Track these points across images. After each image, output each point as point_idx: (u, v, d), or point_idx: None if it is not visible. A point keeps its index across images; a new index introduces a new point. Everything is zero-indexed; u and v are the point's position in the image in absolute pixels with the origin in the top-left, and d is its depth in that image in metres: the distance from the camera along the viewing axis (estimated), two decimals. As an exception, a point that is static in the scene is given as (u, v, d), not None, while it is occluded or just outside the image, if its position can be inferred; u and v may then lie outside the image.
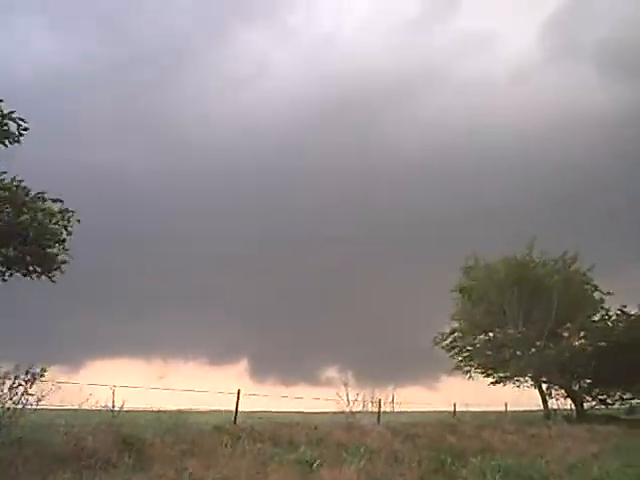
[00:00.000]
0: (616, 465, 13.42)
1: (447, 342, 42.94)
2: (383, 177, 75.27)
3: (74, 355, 37.35)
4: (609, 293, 41.60)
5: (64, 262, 16.40)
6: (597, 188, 69.09)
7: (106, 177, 57.66)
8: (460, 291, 41.44)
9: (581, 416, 39.09)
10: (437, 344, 43.16)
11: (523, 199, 68.48)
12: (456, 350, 42.85)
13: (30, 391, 12.12)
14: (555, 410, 40.43)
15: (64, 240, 16.12)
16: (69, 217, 15.98)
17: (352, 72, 79.16)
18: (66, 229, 15.99)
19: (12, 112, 14.69)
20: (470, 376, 43.09)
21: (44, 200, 15.43)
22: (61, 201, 15.87)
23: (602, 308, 42.07)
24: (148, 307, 58.93)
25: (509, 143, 74.26)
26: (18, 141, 14.98)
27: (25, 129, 14.95)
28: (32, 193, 15.16)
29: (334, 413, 21.19)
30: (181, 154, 72.44)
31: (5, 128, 14.70)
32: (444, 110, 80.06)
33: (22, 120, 14.89)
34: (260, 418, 18.23)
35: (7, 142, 14.88)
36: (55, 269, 16.39)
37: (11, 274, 15.95)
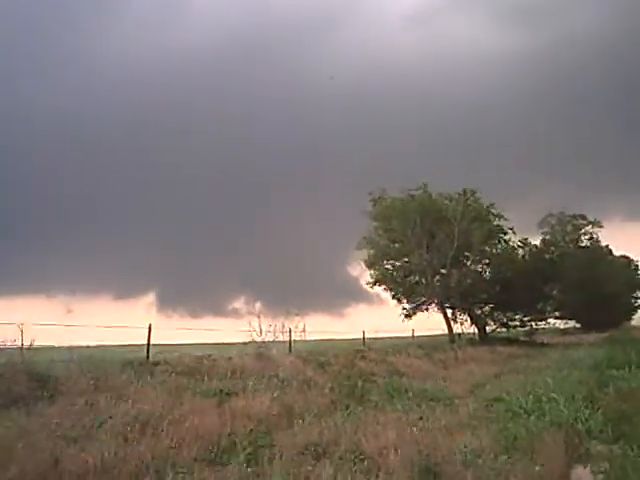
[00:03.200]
0: (515, 384, 14.08)
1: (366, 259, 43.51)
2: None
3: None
4: (512, 229, 43.02)
5: None
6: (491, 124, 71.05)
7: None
8: (370, 217, 41.95)
9: (484, 339, 40.62)
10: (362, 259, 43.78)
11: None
12: (373, 269, 43.48)
13: None
14: (459, 334, 41.90)
15: None
16: None
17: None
18: None
19: None
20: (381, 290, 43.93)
21: None
22: None
23: (503, 235, 43.57)
24: (50, 237, 57.26)
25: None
26: None
27: None
28: None
29: (245, 344, 21.16)
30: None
31: None
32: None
33: None
34: (175, 352, 18.15)
35: None
36: None
37: None
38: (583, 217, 65.35)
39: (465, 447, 7.17)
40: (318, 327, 33.17)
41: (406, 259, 41.92)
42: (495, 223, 41.94)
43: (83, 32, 77.40)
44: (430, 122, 75.70)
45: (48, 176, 59.28)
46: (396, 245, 41.74)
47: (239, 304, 53.06)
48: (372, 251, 42.37)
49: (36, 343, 14.27)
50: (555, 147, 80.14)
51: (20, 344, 13.91)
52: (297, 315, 24.52)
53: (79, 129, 65.80)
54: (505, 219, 42.42)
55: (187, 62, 74.29)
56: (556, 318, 52.69)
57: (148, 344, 17.55)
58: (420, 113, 76.82)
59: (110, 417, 8.97)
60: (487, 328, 44.15)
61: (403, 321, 42.86)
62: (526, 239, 46.37)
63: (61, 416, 8.91)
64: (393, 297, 43.41)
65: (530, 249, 46.23)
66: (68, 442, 7.44)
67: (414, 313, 43.07)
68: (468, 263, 42.47)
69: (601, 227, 66.22)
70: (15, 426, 8.06)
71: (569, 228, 65.61)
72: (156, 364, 15.22)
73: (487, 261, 42.67)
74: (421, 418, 9.76)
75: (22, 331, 14.12)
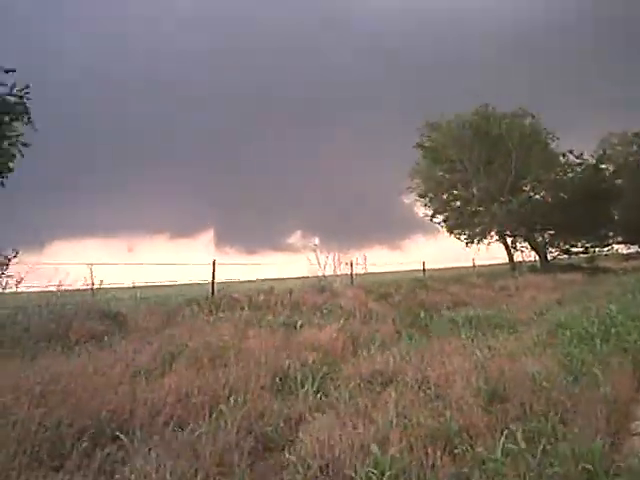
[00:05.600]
0: (578, 309, 13.97)
1: (419, 190, 43.32)
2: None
3: (36, 236, 37.08)
4: (571, 152, 42.16)
5: (25, 145, 15.29)
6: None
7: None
8: (420, 147, 41.53)
9: (545, 267, 40.26)
10: (412, 191, 43.73)
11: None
12: (427, 199, 43.28)
13: (8, 273, 12.16)
14: (520, 262, 41.64)
15: (26, 112, 15.03)
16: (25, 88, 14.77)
17: None
18: (25, 103, 14.90)
19: None
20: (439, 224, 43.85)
21: None
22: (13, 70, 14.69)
23: (562, 157, 42.70)
24: (112, 183, 58.13)
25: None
26: None
27: None
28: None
29: (306, 278, 21.37)
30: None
31: None
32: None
33: None
34: (236, 288, 18.43)
35: None
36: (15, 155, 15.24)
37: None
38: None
39: (531, 373, 7.18)
40: (377, 260, 33.22)
41: (463, 187, 41.46)
42: (553, 146, 41.15)
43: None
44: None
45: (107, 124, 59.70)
46: (447, 176, 41.27)
47: (295, 239, 53.44)
48: (423, 182, 42.07)
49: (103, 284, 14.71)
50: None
51: (90, 284, 14.34)
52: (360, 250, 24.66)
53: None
54: (556, 138, 41.61)
55: None
56: (619, 243, 51.73)
57: (213, 280, 17.88)
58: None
59: (180, 351, 9.24)
60: (548, 255, 43.72)
61: (466, 247, 42.70)
62: (582, 154, 45.12)
63: (134, 351, 9.22)
64: (451, 228, 43.14)
65: (587, 166, 44.98)
66: (143, 375, 7.72)
67: (477, 241, 42.73)
68: (527, 189, 41.81)
69: None
70: (92, 360, 8.37)
71: (634, 148, 63.19)
72: (221, 299, 15.51)
73: (545, 186, 41.91)
74: (487, 346, 9.78)
75: (91, 270, 14.56)
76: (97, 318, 11.85)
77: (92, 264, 14.86)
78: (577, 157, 44.00)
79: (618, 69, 72.88)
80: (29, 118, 14.98)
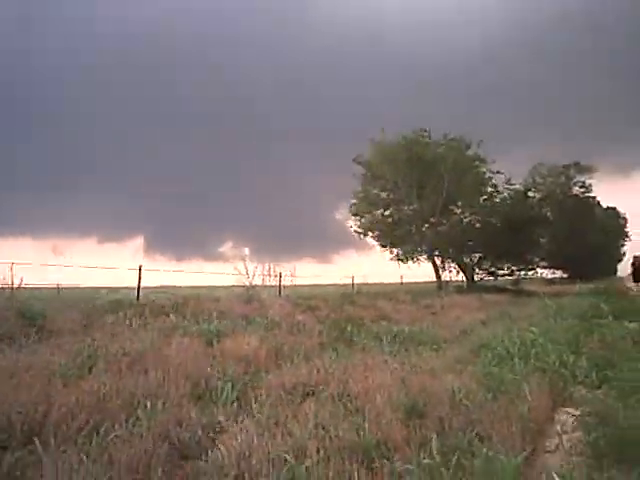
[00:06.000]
0: (501, 330, 14.23)
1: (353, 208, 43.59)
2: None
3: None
4: (498, 172, 43.09)
5: None
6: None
7: None
8: (359, 163, 41.92)
9: (472, 287, 41.02)
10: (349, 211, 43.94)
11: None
12: (358, 217, 43.57)
13: None
14: (447, 282, 42.31)
15: None
16: None
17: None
18: None
19: None
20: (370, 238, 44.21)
21: None
22: None
23: (490, 181, 43.66)
24: (37, 181, 56.92)
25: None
26: None
27: None
28: None
29: (233, 287, 21.27)
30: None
31: None
32: None
33: None
34: (164, 292, 18.24)
35: None
36: None
37: None
38: (576, 164, 64.51)
39: (451, 389, 7.27)
40: (307, 273, 33.36)
41: (396, 207, 42.02)
42: (484, 171, 42.11)
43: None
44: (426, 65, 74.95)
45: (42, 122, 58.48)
46: (384, 194, 41.79)
47: (226, 248, 53.37)
48: (361, 196, 42.47)
49: (24, 283, 14.34)
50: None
51: (10, 284, 13.96)
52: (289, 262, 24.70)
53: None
54: (492, 171, 42.68)
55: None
56: (543, 268, 53.37)
57: (139, 285, 17.67)
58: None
59: (100, 355, 9.05)
60: (475, 276, 44.60)
61: (393, 264, 43.19)
62: (509, 179, 46.25)
63: (52, 354, 8.99)
64: (382, 246, 43.65)
65: (516, 193, 46.13)
66: (60, 379, 7.52)
67: (406, 259, 43.26)
68: (457, 211, 42.63)
69: (595, 172, 65.36)
70: (6, 363, 8.12)
71: (562, 179, 65.24)
72: (146, 305, 15.31)
73: (475, 210, 42.77)
74: (409, 362, 9.87)
75: (12, 271, 14.17)
76: (14, 318, 11.50)
77: (13, 263, 14.48)
78: (506, 182, 45.05)
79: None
80: None
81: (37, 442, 5.33)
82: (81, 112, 62.77)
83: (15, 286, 13.95)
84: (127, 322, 13.05)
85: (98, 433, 5.67)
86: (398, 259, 43.45)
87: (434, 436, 5.50)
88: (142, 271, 18.26)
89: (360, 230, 43.58)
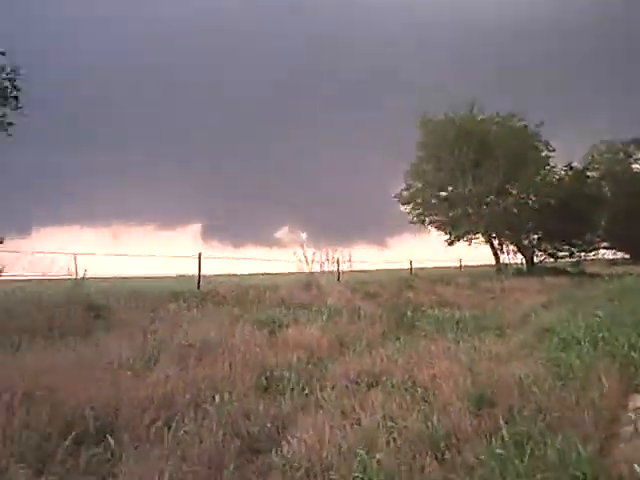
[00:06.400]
0: (565, 313, 13.97)
1: (404, 196, 43.07)
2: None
3: (22, 222, 36.76)
4: (553, 149, 42.17)
5: (10, 124, 15.52)
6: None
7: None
8: (417, 145, 41.40)
9: (531, 270, 40.38)
10: (398, 200, 43.36)
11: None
12: (412, 205, 43.09)
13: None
14: (507, 264, 41.73)
15: (15, 97, 15.25)
16: (15, 71, 15.05)
17: None
18: (14, 87, 15.10)
19: None
20: (427, 228, 43.70)
21: None
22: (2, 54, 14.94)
23: (548, 165, 42.78)
24: (100, 169, 57.70)
25: None
26: None
27: None
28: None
29: (292, 274, 21.26)
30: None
31: None
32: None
33: None
34: (223, 281, 18.33)
35: None
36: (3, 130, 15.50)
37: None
38: (636, 141, 62.53)
39: (520, 376, 7.17)
40: (364, 258, 33.14)
41: (451, 188, 41.37)
42: (542, 153, 41.23)
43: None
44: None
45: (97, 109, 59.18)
46: (437, 175, 41.08)
47: (283, 234, 53.42)
48: (415, 177, 41.97)
49: (88, 274, 14.54)
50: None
51: (74, 274, 14.17)
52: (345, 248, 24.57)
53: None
54: (551, 149, 41.77)
55: None
56: (604, 249, 52.01)
57: (199, 274, 17.77)
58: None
59: (165, 347, 9.15)
60: (534, 258, 43.89)
61: (446, 247, 42.73)
62: (571, 163, 45.53)
63: (118, 345, 9.11)
64: (438, 228, 43.12)
65: (575, 171, 45.23)
66: (126, 370, 7.63)
67: (458, 240, 42.72)
68: (514, 192, 41.84)
69: None
70: (74, 356, 8.26)
71: (621, 156, 63.29)
72: (207, 294, 15.42)
73: (533, 190, 41.90)
74: (474, 348, 9.78)
75: (76, 260, 14.39)
76: (81, 310, 11.71)
77: (76, 254, 14.72)
78: (565, 166, 44.28)
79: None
80: (17, 104, 15.06)
81: (110, 439, 5.43)
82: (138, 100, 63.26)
83: (80, 276, 14.14)
84: (189, 312, 13.19)
85: (170, 428, 5.75)
86: (449, 243, 42.99)
87: (504, 425, 5.44)
88: (201, 259, 18.40)
89: (415, 219, 43.10)
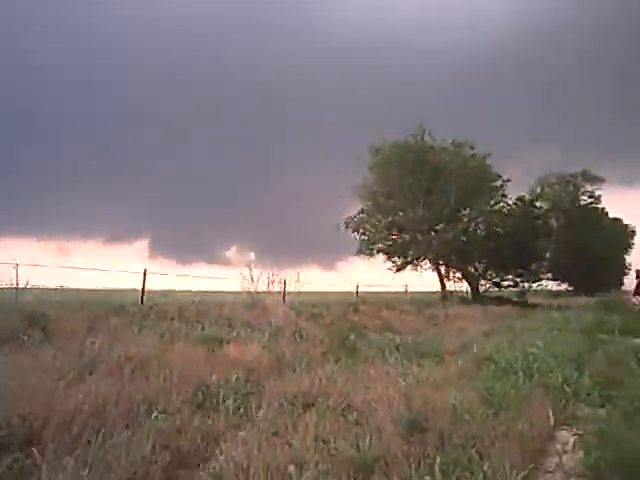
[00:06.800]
0: (505, 343, 14.16)
1: (354, 221, 43.22)
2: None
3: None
4: (508, 180, 43.04)
5: None
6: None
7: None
8: (370, 169, 41.61)
9: (476, 298, 40.88)
10: (347, 226, 43.46)
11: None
12: (361, 231, 43.28)
13: None
14: (452, 292, 42.17)
15: None
16: None
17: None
18: None
19: None
20: (372, 256, 43.86)
21: None
22: None
23: (501, 195, 43.55)
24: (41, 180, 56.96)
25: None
26: None
27: None
28: None
29: (238, 293, 21.22)
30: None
31: None
32: None
33: None
34: (167, 296, 18.25)
35: None
36: None
37: None
38: (585, 174, 63.95)
39: (454, 403, 7.24)
40: (310, 279, 33.28)
41: (401, 213, 41.63)
42: (495, 183, 41.92)
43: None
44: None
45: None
46: (390, 201, 41.33)
47: (231, 253, 53.36)
48: (368, 203, 42.17)
49: (29, 284, 14.33)
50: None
51: (15, 284, 13.97)
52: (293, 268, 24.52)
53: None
54: (503, 179, 42.53)
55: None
56: (548, 280, 52.96)
57: (143, 289, 17.69)
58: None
59: (101, 359, 9.05)
60: (479, 287, 44.43)
61: (392, 277, 42.98)
62: (523, 196, 46.51)
63: (54, 356, 8.98)
64: (385, 253, 43.37)
65: (523, 203, 46.13)
66: (61, 382, 7.51)
67: (405, 266, 43.08)
68: (464, 220, 42.37)
69: (603, 181, 64.66)
70: (9, 364, 8.12)
71: (570, 188, 64.70)
72: (150, 308, 15.33)
73: (481, 218, 42.48)
74: (412, 373, 9.85)
75: (17, 271, 14.18)
76: (18, 320, 11.51)
77: (17, 264, 14.50)
78: (517, 199, 45.24)
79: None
80: None
81: (34, 448, 5.33)
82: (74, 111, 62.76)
83: (20, 286, 13.94)
84: (130, 326, 13.08)
85: (97, 439, 5.66)
86: (397, 269, 43.36)
87: (435, 452, 5.49)
88: (147, 274, 18.30)
89: (363, 249, 43.32)
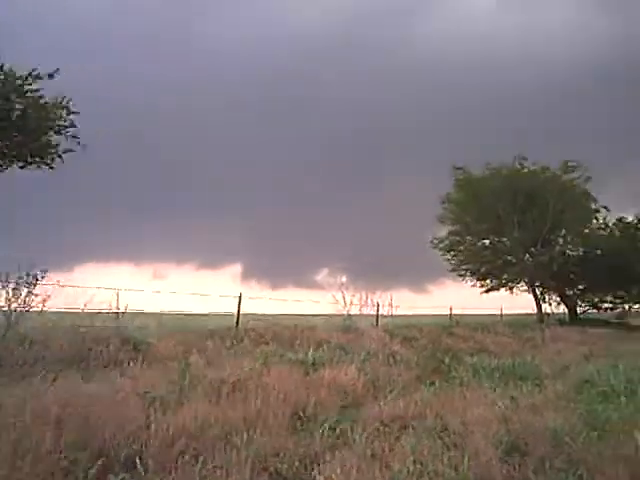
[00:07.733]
0: (605, 366, 13.72)
1: (444, 244, 43.01)
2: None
3: (65, 258, 37.57)
4: (605, 208, 41.83)
5: (67, 151, 16.10)
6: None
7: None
8: (448, 200, 41.36)
9: (574, 320, 39.80)
10: (435, 247, 43.26)
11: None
12: (452, 253, 43.00)
13: (34, 292, 12.13)
14: (549, 314, 41.14)
15: (69, 126, 15.79)
16: (66, 102, 15.60)
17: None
18: (68, 112, 15.62)
19: None
20: (465, 279, 43.52)
21: (37, 78, 15.16)
22: (51, 76, 15.46)
23: (597, 218, 42.36)
24: (143, 208, 58.82)
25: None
26: None
27: None
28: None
29: (330, 316, 21.27)
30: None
31: None
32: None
33: None
34: (259, 320, 18.46)
35: None
36: (57, 156, 16.05)
37: (6, 167, 15.75)
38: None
39: (554, 427, 7.05)
40: (404, 303, 33.05)
41: (496, 238, 41.21)
42: (592, 205, 40.80)
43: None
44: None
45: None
46: (483, 225, 40.86)
47: (322, 276, 53.59)
48: (454, 227, 41.89)
49: (129, 309, 14.73)
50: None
51: (115, 309, 14.38)
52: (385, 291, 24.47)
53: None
54: (603, 206, 41.44)
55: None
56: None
57: (238, 312, 17.92)
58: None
59: (199, 382, 9.22)
60: (577, 309, 43.27)
61: (481, 294, 42.56)
62: (622, 218, 44.99)
63: (153, 378, 9.21)
64: (478, 278, 42.93)
65: (625, 226, 44.59)
66: (160, 404, 7.69)
67: (497, 289, 42.50)
68: (560, 242, 41.47)
69: None
70: (110, 388, 8.36)
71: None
72: (245, 332, 15.52)
73: (578, 240, 41.47)
74: (510, 396, 9.65)
75: (118, 295, 14.60)
76: (119, 344, 11.88)
77: (119, 289, 14.94)
78: (617, 220, 43.91)
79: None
80: (71, 133, 15.63)
81: (139, 466, 5.49)
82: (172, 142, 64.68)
83: (120, 311, 14.33)
84: (227, 349, 13.30)
85: (197, 461, 5.77)
86: (486, 290, 42.88)
87: (535, 477, 5.37)
88: (241, 298, 18.55)
89: (456, 268, 43.13)
